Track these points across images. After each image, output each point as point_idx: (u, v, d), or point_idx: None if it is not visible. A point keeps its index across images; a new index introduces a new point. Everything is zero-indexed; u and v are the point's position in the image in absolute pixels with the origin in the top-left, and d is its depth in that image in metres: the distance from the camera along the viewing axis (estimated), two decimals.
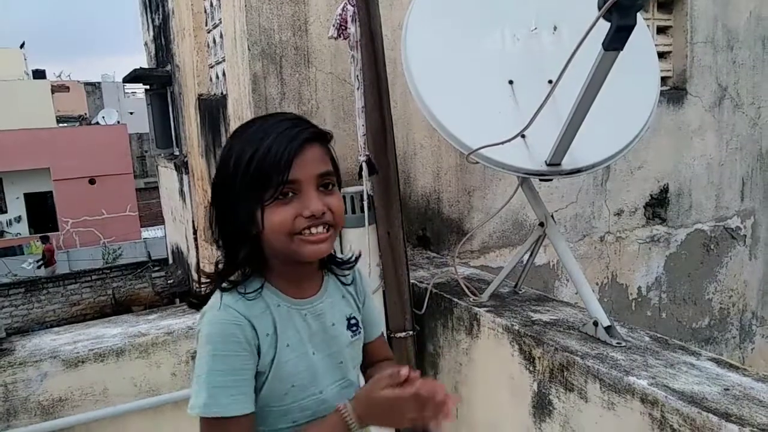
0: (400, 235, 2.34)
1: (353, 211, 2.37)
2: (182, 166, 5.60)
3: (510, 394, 2.02)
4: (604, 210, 3.82)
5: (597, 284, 3.82)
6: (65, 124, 23.62)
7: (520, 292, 2.35)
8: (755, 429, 1.27)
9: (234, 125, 3.29)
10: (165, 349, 2.29)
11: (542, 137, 1.89)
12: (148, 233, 19.75)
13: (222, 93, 3.77)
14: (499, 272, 2.31)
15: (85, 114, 27.06)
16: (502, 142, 1.86)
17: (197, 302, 1.13)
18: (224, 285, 1.09)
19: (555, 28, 2.13)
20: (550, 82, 1.89)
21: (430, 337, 2.47)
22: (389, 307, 2.35)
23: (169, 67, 6.19)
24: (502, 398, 2.07)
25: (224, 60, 3.56)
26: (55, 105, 23.52)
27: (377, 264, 2.36)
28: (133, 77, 6.75)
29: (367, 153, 2.27)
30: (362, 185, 2.30)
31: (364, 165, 2.26)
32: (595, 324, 1.83)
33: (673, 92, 3.99)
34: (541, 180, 2.10)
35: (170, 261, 7.94)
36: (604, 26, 1.53)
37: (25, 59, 25.57)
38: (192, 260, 5.51)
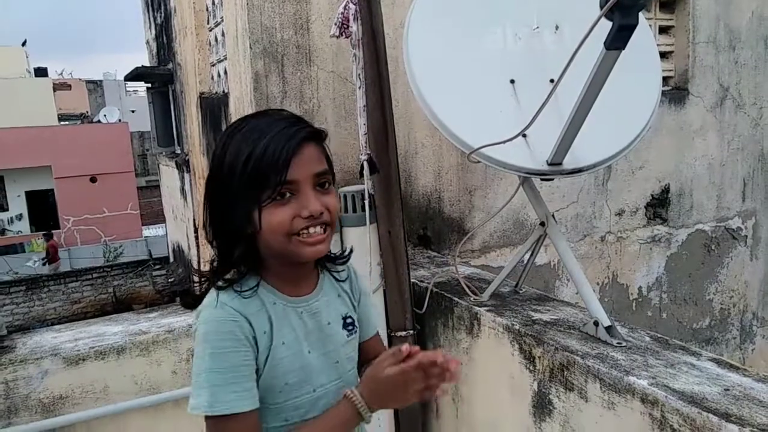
0: (401, 234, 2.34)
1: (354, 210, 2.37)
2: (183, 165, 5.61)
3: (510, 393, 2.02)
4: (605, 210, 3.81)
5: (598, 284, 3.81)
6: (67, 122, 23.66)
7: (520, 291, 2.35)
8: (755, 429, 1.27)
9: None
10: (166, 348, 2.29)
11: (544, 136, 1.89)
12: (149, 232, 19.76)
13: (224, 91, 3.77)
14: (499, 272, 2.31)
15: (87, 112, 27.09)
16: (504, 142, 1.86)
17: (192, 301, 1.12)
18: (220, 283, 1.09)
19: (557, 28, 2.13)
20: (551, 81, 1.89)
21: (430, 337, 2.47)
22: (390, 306, 2.35)
23: (170, 66, 6.20)
24: (502, 397, 2.07)
25: (226, 58, 3.56)
26: (57, 103, 23.54)
27: (378, 263, 2.36)
28: (135, 75, 6.77)
29: (369, 152, 2.27)
30: (363, 184, 2.30)
31: (365, 164, 2.26)
32: (596, 324, 1.83)
33: (675, 92, 3.99)
34: (542, 179, 2.09)
35: (171, 259, 7.95)
36: (606, 25, 1.53)
37: (27, 57, 25.58)
38: (193, 259, 5.52)
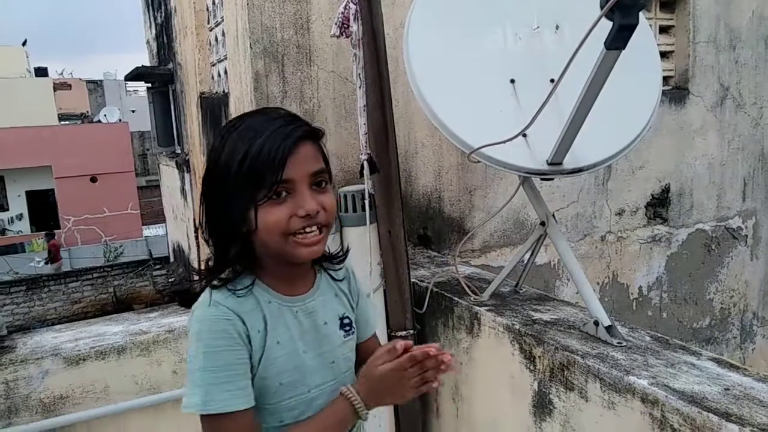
0: (401, 234, 2.34)
1: (354, 210, 2.37)
2: (184, 165, 5.61)
3: (510, 393, 2.02)
4: (605, 209, 3.81)
5: (598, 284, 3.81)
6: (67, 122, 23.66)
7: (520, 291, 2.35)
8: (755, 429, 1.27)
9: None
10: (166, 347, 2.30)
11: (544, 136, 1.88)
12: (150, 231, 19.77)
13: (224, 91, 3.77)
14: (499, 271, 2.31)
15: (87, 112, 27.10)
16: (504, 141, 1.86)
17: (189, 300, 1.12)
18: (215, 282, 1.08)
19: (557, 27, 2.13)
20: (551, 81, 1.89)
21: (430, 336, 2.47)
22: (390, 306, 2.35)
23: (171, 65, 6.20)
24: (502, 397, 2.07)
25: (226, 58, 3.56)
26: (57, 103, 23.55)
27: (378, 263, 2.36)
28: (135, 75, 6.76)
29: (369, 152, 2.27)
30: (363, 184, 2.30)
31: (365, 164, 2.26)
32: (596, 323, 1.83)
33: (675, 92, 3.99)
34: (542, 179, 2.09)
35: (171, 259, 7.95)
36: (607, 25, 1.53)
37: (27, 57, 25.60)
38: (193, 258, 5.52)
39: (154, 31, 7.08)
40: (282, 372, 1.09)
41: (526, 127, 1.84)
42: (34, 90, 22.38)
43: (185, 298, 1.14)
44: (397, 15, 2.95)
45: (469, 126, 1.97)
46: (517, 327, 1.97)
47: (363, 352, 1.26)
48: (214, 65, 4.10)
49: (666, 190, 4.01)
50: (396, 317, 2.33)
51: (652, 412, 1.47)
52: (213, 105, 4.04)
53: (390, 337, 2.33)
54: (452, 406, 2.39)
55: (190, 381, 1.03)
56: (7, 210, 20.95)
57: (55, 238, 16.74)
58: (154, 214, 19.75)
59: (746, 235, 4.34)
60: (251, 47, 2.85)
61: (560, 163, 1.91)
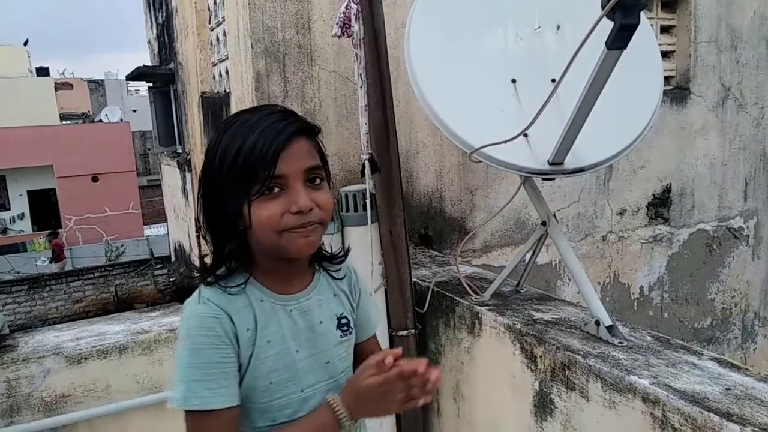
0: (402, 234, 2.34)
1: (356, 210, 2.37)
2: (185, 164, 5.61)
3: (511, 392, 2.02)
4: (606, 209, 3.81)
5: (599, 283, 3.81)
6: (68, 122, 23.69)
7: (522, 291, 2.35)
8: (756, 429, 1.27)
9: None
10: (167, 346, 2.30)
11: (545, 136, 1.89)
12: (151, 231, 19.80)
13: (225, 91, 3.77)
14: (501, 271, 2.31)
15: (89, 111, 27.11)
16: (505, 141, 1.86)
17: (187, 297, 1.12)
18: (208, 279, 1.08)
19: (558, 27, 2.13)
20: (553, 81, 1.89)
21: (431, 336, 2.47)
22: (391, 306, 2.35)
23: (172, 65, 6.20)
24: (503, 397, 2.07)
25: (227, 58, 3.56)
26: (59, 102, 23.56)
27: (379, 262, 2.36)
28: (137, 75, 6.76)
29: (370, 151, 2.27)
30: (365, 183, 2.30)
31: (366, 163, 2.26)
32: (597, 323, 1.83)
33: (677, 92, 3.99)
34: (543, 179, 2.09)
35: (173, 259, 7.95)
36: (608, 25, 1.53)
37: (29, 57, 25.60)
38: (194, 258, 5.52)
39: (155, 30, 7.08)
40: (272, 371, 1.08)
41: (527, 127, 1.84)
42: (36, 90, 22.40)
43: (185, 295, 1.14)
44: (398, 15, 2.96)
45: (470, 126, 1.97)
46: (519, 327, 1.97)
47: (362, 353, 1.25)
48: (215, 65, 4.11)
49: (667, 190, 4.01)
50: (397, 317, 2.34)
51: (653, 411, 1.47)
52: (214, 105, 4.04)
53: (391, 337, 2.34)
54: (453, 406, 2.39)
55: (176, 376, 1.04)
56: (9, 209, 20.99)
57: (58, 237, 16.76)
58: (155, 214, 19.78)
59: (748, 235, 4.33)
60: (252, 47, 2.85)
61: (561, 163, 1.91)
